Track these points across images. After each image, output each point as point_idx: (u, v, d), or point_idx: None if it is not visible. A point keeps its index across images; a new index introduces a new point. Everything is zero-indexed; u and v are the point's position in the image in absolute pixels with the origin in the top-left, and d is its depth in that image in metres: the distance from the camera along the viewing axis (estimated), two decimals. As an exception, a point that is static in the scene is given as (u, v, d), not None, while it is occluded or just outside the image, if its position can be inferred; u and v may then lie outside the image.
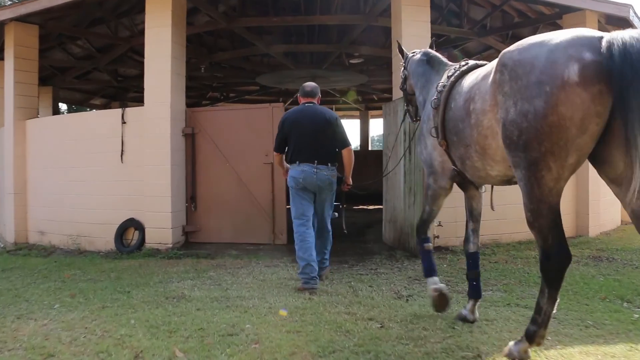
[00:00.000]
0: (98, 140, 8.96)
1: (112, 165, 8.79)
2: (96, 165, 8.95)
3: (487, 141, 3.46)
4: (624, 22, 10.12)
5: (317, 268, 5.50)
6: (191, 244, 8.77)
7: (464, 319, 4.30)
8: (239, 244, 8.64)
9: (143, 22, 9.20)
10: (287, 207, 6.51)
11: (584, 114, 2.76)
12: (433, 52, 4.96)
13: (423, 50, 5.08)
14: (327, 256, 6.05)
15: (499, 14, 11.54)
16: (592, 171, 8.99)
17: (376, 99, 20.55)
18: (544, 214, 3.05)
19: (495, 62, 3.38)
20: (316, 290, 5.34)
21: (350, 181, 6.10)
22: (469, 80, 3.80)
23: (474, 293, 4.35)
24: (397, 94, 7.96)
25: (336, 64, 14.42)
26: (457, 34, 11.50)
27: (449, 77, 4.11)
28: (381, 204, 9.18)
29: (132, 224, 8.58)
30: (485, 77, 3.49)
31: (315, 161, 5.57)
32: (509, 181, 3.75)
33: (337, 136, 5.75)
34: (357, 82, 15.94)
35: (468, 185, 4.34)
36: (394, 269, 6.63)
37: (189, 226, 8.85)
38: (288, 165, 5.87)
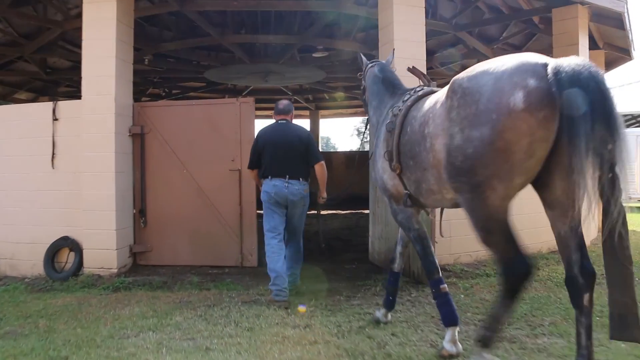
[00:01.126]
0: (23, 141, 7.06)
1: (41, 172, 6.96)
2: (20, 172, 7.05)
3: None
4: (616, 20, 9.22)
5: (287, 280, 5.42)
6: (141, 267, 7.05)
7: (377, 321, 4.49)
8: (199, 267, 7.02)
9: (76, 7, 7.44)
10: (260, 216, 6.08)
11: (530, 139, 2.75)
12: (389, 69, 4.92)
13: (380, 64, 5.00)
14: (297, 272, 5.86)
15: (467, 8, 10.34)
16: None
17: (327, 97, 19.19)
18: (495, 230, 3.01)
19: (447, 87, 3.34)
20: (287, 303, 5.19)
21: (325, 194, 5.99)
22: (424, 105, 3.73)
23: (390, 305, 4.55)
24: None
25: (294, 59, 12.94)
26: (433, 27, 10.24)
27: (404, 102, 4.03)
28: (335, 210, 8.14)
29: (67, 243, 6.80)
30: (438, 101, 3.46)
31: (287, 176, 5.50)
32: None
33: (309, 152, 5.67)
34: (314, 79, 14.45)
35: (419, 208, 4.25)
36: (406, 303, 5.24)
37: (138, 246, 7.11)
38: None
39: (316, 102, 19.63)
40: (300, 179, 5.56)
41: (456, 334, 3.79)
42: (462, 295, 5.52)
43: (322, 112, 20.39)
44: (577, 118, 2.58)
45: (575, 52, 8.66)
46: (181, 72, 14.24)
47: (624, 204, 2.66)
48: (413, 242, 4.16)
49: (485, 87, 2.89)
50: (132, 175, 7.13)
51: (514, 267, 2.99)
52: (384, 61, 5.12)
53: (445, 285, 3.96)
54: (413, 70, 6.15)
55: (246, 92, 16.51)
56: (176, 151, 7.12)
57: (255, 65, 12.43)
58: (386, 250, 6.80)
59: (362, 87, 5.24)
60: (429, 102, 3.66)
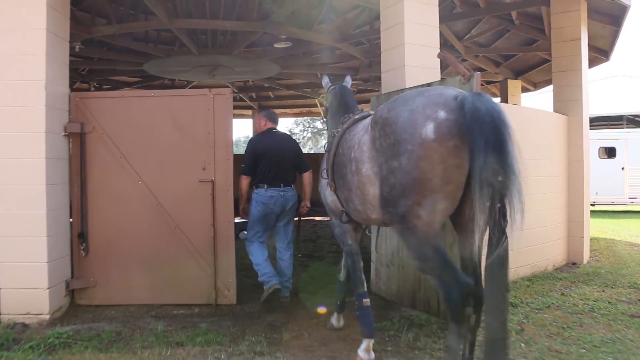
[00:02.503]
0: None
1: (-61, 184, 4.99)
2: None
3: (365, 187, 3.50)
4: (611, 17, 8.28)
5: (272, 270, 5.43)
6: (81, 308, 5.22)
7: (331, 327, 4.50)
8: (160, 307, 5.30)
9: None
10: (243, 230, 5.80)
11: (444, 166, 2.83)
12: (347, 89, 4.91)
13: (340, 86, 4.96)
14: (289, 285, 5.66)
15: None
16: (585, 188, 7.58)
17: (272, 96, 17.59)
18: (430, 257, 3.00)
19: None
20: (278, 284, 5.31)
21: (309, 203, 5.90)
22: (355, 129, 3.85)
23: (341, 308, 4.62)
24: (389, 85, 5.65)
25: (247, 51, 11.29)
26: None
27: (342, 124, 4.16)
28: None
29: (-24, 281, 4.89)
30: (366, 127, 3.58)
31: (281, 184, 5.51)
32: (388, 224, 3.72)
33: (300, 161, 5.78)
34: (266, 75, 12.81)
35: (356, 225, 4.28)
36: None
37: (77, 281, 5.28)
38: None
39: (260, 100, 17.97)
40: (292, 185, 5.64)
41: (371, 344, 3.93)
42: (523, 344, 4.16)
43: (266, 111, 18.76)
44: (475, 149, 2.69)
45: (577, 49, 7.66)
46: (115, 64, 12.11)
47: (509, 235, 2.74)
48: (345, 255, 4.40)
49: (400, 119, 3.00)
50: (68, 188, 5.30)
51: (451, 292, 2.97)
52: (344, 83, 5.09)
53: (368, 299, 4.11)
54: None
55: (188, 87, 14.58)
56: (128, 157, 5.35)
57: (202, 58, 10.69)
58: (401, 282, 5.37)
59: (325, 108, 5.24)
60: (360, 127, 3.78)
